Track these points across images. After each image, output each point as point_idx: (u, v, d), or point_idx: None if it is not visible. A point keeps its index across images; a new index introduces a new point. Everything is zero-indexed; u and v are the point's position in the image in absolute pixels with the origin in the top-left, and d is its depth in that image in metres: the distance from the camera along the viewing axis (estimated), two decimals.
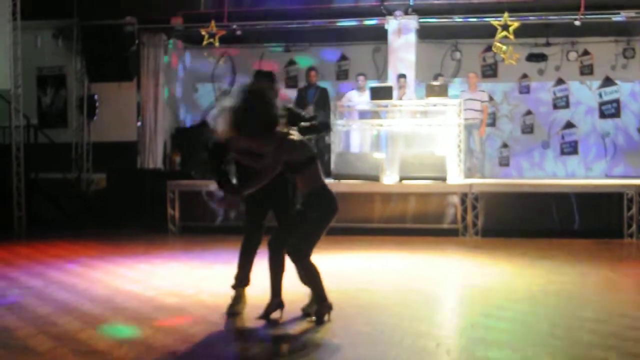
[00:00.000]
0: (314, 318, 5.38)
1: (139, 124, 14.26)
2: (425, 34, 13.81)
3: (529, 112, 15.29)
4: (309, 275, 5.38)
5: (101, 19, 13.58)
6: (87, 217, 12.77)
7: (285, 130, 5.29)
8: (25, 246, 10.36)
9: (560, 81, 15.17)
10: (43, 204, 12.92)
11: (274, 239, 5.51)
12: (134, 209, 12.15)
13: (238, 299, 5.78)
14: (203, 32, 13.19)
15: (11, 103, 12.44)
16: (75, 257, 9.01)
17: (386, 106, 12.64)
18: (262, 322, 5.42)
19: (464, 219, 10.84)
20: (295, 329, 5.30)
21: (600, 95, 15.06)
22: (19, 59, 12.37)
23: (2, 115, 13.01)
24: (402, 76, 12.97)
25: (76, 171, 14.04)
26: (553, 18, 13.04)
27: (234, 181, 5.57)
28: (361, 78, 13.53)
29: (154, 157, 14.11)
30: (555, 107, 15.22)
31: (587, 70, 15.07)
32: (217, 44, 13.27)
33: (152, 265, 8.34)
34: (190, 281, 7.31)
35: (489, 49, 14.33)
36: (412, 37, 13.32)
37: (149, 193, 12.20)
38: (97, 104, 14.19)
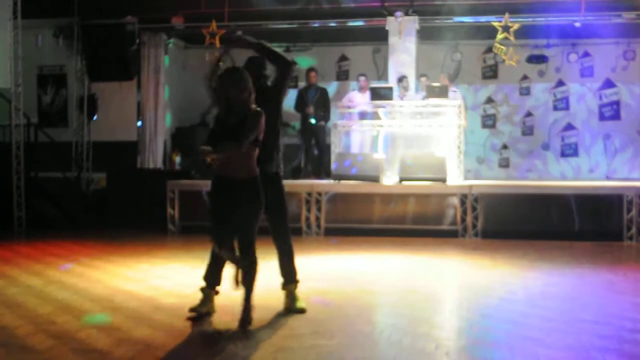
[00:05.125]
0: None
1: (139, 123, 14.28)
2: (425, 34, 13.80)
3: (529, 114, 15.29)
4: None
5: (102, 18, 13.58)
6: (86, 217, 12.78)
7: None
8: (24, 245, 10.37)
9: (560, 83, 15.18)
10: (43, 203, 12.92)
11: None
12: (133, 208, 12.16)
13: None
14: (204, 32, 13.19)
15: (11, 102, 12.43)
16: (75, 256, 9.01)
17: (385, 107, 12.65)
18: (261, 324, 5.41)
19: (463, 220, 10.84)
20: (294, 329, 5.30)
21: (600, 97, 15.07)
22: (20, 57, 12.36)
23: (2, 114, 12.99)
24: (404, 77, 12.92)
25: (76, 170, 14.03)
26: (554, 19, 13.03)
27: None
28: (362, 78, 13.52)
29: (154, 157, 14.10)
30: (556, 108, 15.23)
31: (587, 72, 15.08)
32: (217, 43, 13.26)
33: (152, 265, 8.33)
34: (189, 281, 7.30)
35: (489, 50, 14.34)
36: (412, 38, 13.30)
37: (148, 193, 12.21)
38: (97, 103, 14.19)
